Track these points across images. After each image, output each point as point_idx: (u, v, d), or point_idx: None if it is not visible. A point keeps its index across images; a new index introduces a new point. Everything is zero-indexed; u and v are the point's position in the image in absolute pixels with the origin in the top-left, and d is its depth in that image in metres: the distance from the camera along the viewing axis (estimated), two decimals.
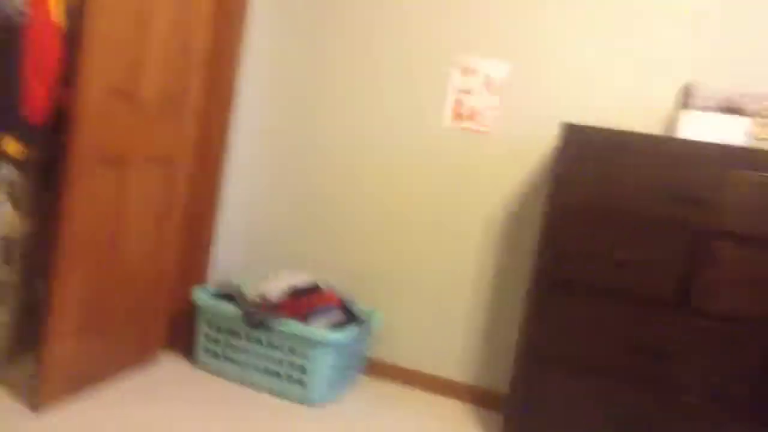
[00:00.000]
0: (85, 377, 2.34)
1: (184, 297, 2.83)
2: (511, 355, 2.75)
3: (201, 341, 2.73)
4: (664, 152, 2.12)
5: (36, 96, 2.19)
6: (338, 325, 2.63)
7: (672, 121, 2.47)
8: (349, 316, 2.73)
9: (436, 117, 2.82)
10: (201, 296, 2.69)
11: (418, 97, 2.84)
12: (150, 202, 2.49)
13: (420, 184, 2.86)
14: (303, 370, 2.54)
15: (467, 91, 2.76)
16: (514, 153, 2.72)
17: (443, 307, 2.86)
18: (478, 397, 2.81)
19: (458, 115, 2.78)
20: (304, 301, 2.63)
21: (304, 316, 2.57)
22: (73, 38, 2.23)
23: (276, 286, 2.66)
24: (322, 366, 2.51)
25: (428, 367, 2.89)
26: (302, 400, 2.56)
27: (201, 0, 2.54)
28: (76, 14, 2.24)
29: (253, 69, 2.94)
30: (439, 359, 2.87)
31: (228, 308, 2.62)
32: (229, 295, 2.74)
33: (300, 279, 2.75)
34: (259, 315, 2.55)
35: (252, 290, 2.67)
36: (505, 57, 2.71)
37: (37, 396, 2.15)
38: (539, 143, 2.69)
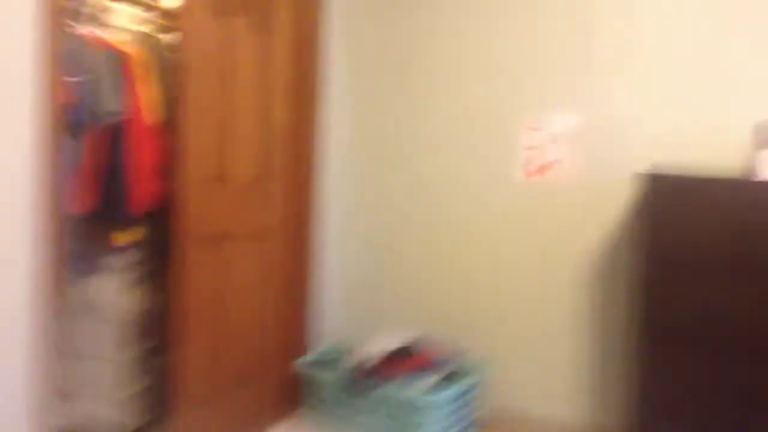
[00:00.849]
0: None
1: (291, 366, 2.98)
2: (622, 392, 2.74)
3: (311, 408, 2.85)
4: (751, 196, 2.14)
5: (139, 190, 2.45)
6: (439, 384, 2.68)
7: (749, 161, 2.48)
8: (452, 373, 2.78)
9: (507, 173, 2.92)
10: (303, 366, 2.83)
11: (490, 154, 2.95)
12: (249, 273, 2.69)
13: (506, 238, 2.93)
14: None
15: (534, 147, 2.86)
16: (591, 204, 2.78)
17: (549, 354, 2.88)
18: None
19: (529, 171, 2.87)
20: (403, 363, 2.72)
21: (404, 378, 2.65)
22: (170, 131, 2.49)
23: (374, 350, 2.76)
24: (431, 428, 2.57)
25: (549, 411, 2.89)
26: None
27: (279, 81, 2.78)
28: (172, 109, 2.51)
29: (335, 138, 3.16)
30: (559, 402, 2.88)
31: (329, 377, 2.74)
32: (331, 362, 2.87)
33: (397, 341, 2.83)
34: (361, 382, 2.66)
35: (352, 357, 2.79)
36: (571, 108, 2.79)
37: None
38: (613, 195, 2.74)
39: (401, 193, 3.15)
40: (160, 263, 2.62)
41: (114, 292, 2.48)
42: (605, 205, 2.76)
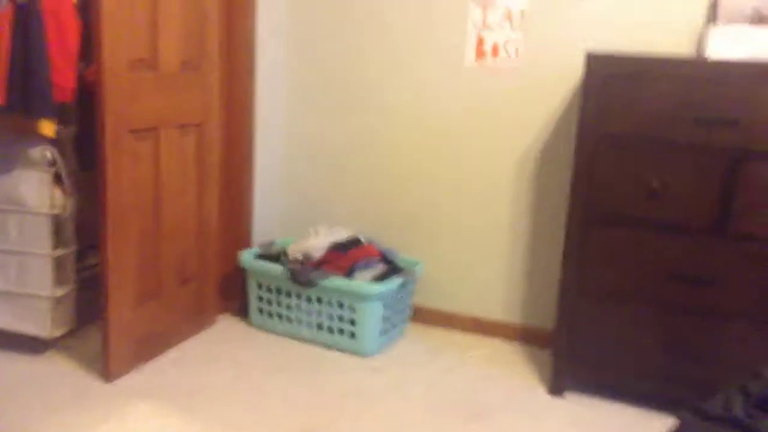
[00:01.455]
0: (149, 344, 2.47)
1: (232, 260, 2.93)
2: (554, 291, 2.79)
3: (252, 302, 2.84)
4: (693, 74, 2.07)
5: (62, 76, 2.26)
6: (381, 277, 2.70)
7: (701, 38, 2.40)
8: (391, 267, 2.80)
9: (458, 56, 2.79)
10: (247, 258, 2.78)
11: (438, 38, 2.81)
12: (185, 167, 2.57)
13: (447, 127, 2.86)
14: (352, 323, 2.63)
15: (489, 27, 2.73)
16: (542, 88, 2.69)
17: (482, 250, 2.90)
18: (524, 335, 2.87)
19: (481, 53, 2.75)
20: (346, 256, 2.70)
21: (347, 271, 2.65)
22: (88, 13, 2.27)
23: (317, 243, 2.73)
24: (371, 318, 2.60)
25: (472, 309, 2.95)
26: (354, 352, 2.66)
27: None
28: None
29: (270, 22, 2.95)
30: (483, 301, 2.93)
31: (274, 268, 2.71)
32: (274, 256, 2.83)
33: (339, 234, 2.82)
34: (304, 273, 2.64)
35: (294, 249, 2.75)
36: None
37: (107, 365, 2.30)
38: (567, 75, 2.65)
39: (343, 78, 3.00)
40: (84, 157, 2.47)
41: (35, 186, 2.34)
42: (556, 92, 2.68)
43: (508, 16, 2.70)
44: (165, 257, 2.51)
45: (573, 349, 2.34)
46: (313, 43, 3.02)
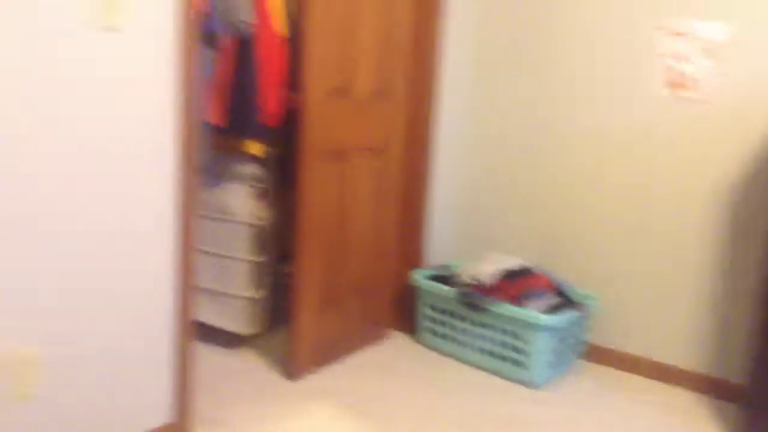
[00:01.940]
0: (327, 350, 2.65)
1: (405, 278, 3.05)
2: (745, 340, 2.56)
3: (422, 321, 2.93)
4: None
5: (269, 102, 2.53)
6: (554, 309, 2.66)
7: None
8: (565, 299, 2.75)
9: (645, 87, 2.70)
10: (419, 278, 2.88)
11: (623, 69, 2.73)
12: (368, 188, 2.73)
13: (630, 161, 2.76)
14: (521, 351, 2.61)
15: (680, 57, 2.61)
16: (739, 123, 2.51)
17: (664, 290, 2.74)
18: (707, 385, 2.66)
19: (671, 85, 2.64)
20: (517, 284, 2.70)
21: (517, 299, 2.64)
22: (295, 46, 2.52)
23: (489, 268, 2.76)
24: (540, 349, 2.57)
25: (650, 352, 2.79)
26: (522, 381, 2.64)
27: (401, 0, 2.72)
28: (296, 24, 2.53)
29: (454, 53, 3.06)
30: (662, 345, 2.76)
31: (445, 290, 2.78)
32: (445, 277, 2.90)
33: (512, 262, 2.82)
34: (474, 297, 2.68)
35: (466, 273, 2.80)
36: (723, 18, 2.51)
37: (291, 365, 2.50)
38: (763, 114, 2.46)
39: (524, 109, 3.03)
40: (284, 175, 2.73)
41: (243, 199, 2.62)
42: (752, 125, 2.50)
43: (702, 47, 2.57)
44: (345, 270, 2.68)
45: (766, 409, 2.13)
46: (495, 74, 3.09)
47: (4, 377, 1.59)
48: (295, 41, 2.47)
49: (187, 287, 1.98)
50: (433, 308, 2.87)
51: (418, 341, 2.97)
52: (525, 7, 2.97)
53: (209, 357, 2.65)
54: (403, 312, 3.09)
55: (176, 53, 1.82)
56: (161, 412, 1.99)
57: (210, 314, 2.73)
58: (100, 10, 1.62)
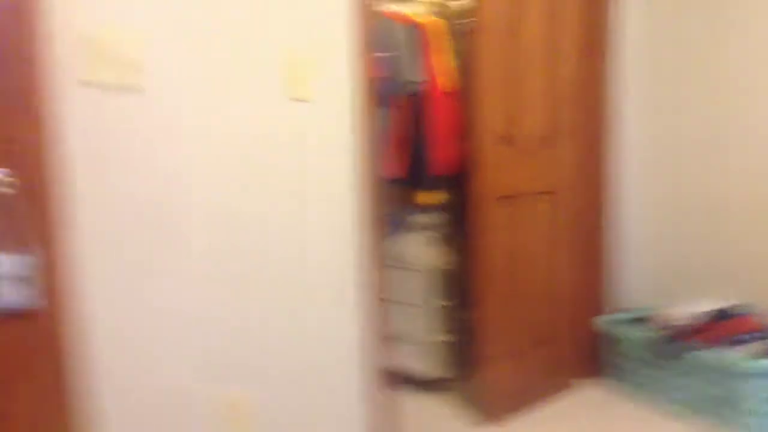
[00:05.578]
0: (513, 399, 2.60)
1: (589, 325, 2.92)
2: None
3: (611, 369, 2.78)
4: None
5: (442, 152, 2.61)
6: (765, 354, 2.39)
7: None
8: None
9: None
10: (607, 323, 2.75)
11: None
12: (540, 232, 2.68)
13: None
14: (729, 402, 2.37)
15: None
16: None
17: None
18: None
19: None
20: (721, 327, 2.47)
21: (723, 344, 2.41)
22: (464, 98, 2.59)
23: (689, 310, 2.56)
24: (752, 399, 2.31)
25: None
26: None
27: (567, 35, 2.67)
28: (464, 77, 2.60)
29: (630, 78, 2.96)
30: None
31: (637, 336, 2.62)
32: (637, 321, 2.74)
33: (712, 303, 2.59)
34: (671, 344, 2.49)
35: (661, 317, 2.62)
36: None
37: (479, 413, 2.50)
38: None
39: (709, 147, 2.81)
40: (459, 223, 2.79)
41: (423, 247, 2.72)
42: None
43: None
44: (523, 315, 2.64)
45: None
46: (675, 98, 2.92)
47: (220, 422, 1.77)
48: (466, 93, 2.55)
49: (375, 334, 2.08)
50: (626, 355, 2.71)
51: (607, 389, 2.80)
52: (707, 36, 2.79)
53: (404, 399, 2.73)
54: (590, 359, 2.95)
55: (356, 115, 1.98)
56: None
57: (400, 358, 2.82)
58: (292, 85, 1.82)
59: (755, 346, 2.42)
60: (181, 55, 1.61)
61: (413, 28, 2.60)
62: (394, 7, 2.65)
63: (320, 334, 1.96)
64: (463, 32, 2.59)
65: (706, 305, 2.57)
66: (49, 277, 1.38)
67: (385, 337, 2.81)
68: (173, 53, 1.60)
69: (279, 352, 1.87)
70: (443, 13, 2.70)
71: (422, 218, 2.71)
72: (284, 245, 1.86)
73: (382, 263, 2.10)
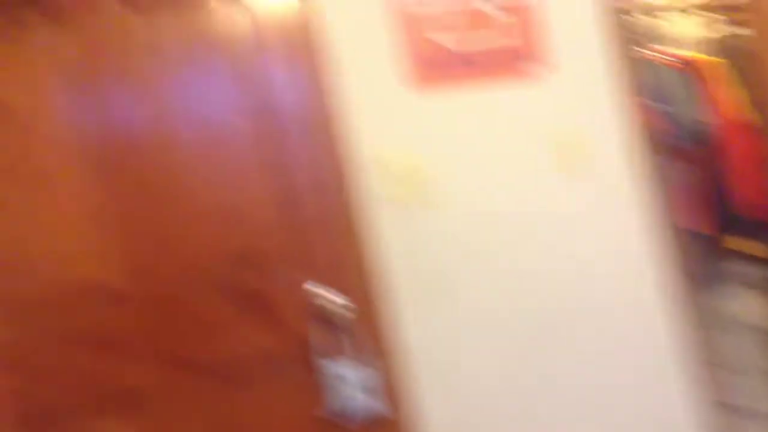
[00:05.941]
0: None
1: None
2: None
3: None
4: None
5: (751, 193, 2.31)
6: None
7: None
8: None
9: None
10: None
11: None
12: None
13: None
14: None
15: None
16: None
17: None
18: None
19: None
20: None
21: None
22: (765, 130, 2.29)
23: None
24: None
25: None
26: None
27: None
28: (758, 107, 2.30)
29: None
30: None
31: None
32: None
33: None
34: None
35: None
36: None
37: None
38: None
39: None
40: None
41: (743, 301, 2.41)
42: None
43: None
44: None
45: None
46: None
47: None
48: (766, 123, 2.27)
49: (710, 406, 1.87)
50: None
51: None
52: None
53: None
54: None
55: (640, 186, 1.87)
56: None
57: None
58: (562, 161, 1.79)
59: None
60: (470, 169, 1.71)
61: (686, 66, 2.41)
62: (660, 49, 2.48)
63: (646, 413, 1.83)
64: (745, 61, 2.32)
65: None
66: (390, 387, 1.53)
67: (722, 407, 2.50)
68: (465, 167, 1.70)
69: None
70: (716, 44, 2.46)
71: (738, 268, 2.42)
72: (598, 323, 1.81)
73: (704, 323, 1.90)
